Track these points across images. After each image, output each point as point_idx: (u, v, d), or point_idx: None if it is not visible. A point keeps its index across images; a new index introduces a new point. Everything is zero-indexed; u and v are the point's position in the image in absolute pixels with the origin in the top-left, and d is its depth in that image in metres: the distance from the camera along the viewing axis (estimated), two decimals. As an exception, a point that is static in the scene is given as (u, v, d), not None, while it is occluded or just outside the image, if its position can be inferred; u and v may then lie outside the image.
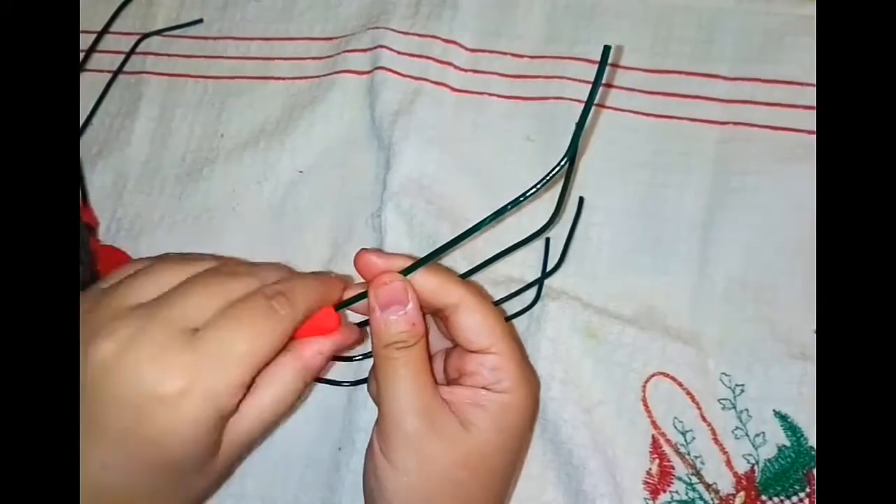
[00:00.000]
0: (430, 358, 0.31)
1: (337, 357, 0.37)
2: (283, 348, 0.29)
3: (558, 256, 0.38)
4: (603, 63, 0.27)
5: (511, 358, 0.30)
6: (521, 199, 0.28)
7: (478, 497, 0.30)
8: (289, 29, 0.47)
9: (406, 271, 0.30)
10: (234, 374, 0.26)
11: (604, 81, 0.40)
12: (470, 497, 0.30)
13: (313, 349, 0.30)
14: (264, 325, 0.27)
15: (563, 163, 0.28)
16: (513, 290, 0.38)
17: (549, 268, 0.38)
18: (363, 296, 0.30)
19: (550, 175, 0.28)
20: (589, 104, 0.27)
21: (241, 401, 0.28)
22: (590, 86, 0.27)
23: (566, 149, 0.30)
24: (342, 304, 0.31)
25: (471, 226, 0.29)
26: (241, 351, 0.27)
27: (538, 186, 0.28)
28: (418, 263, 0.30)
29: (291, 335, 0.29)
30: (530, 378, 0.31)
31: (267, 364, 0.28)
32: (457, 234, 0.29)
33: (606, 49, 0.27)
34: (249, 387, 0.28)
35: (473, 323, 0.30)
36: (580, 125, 0.27)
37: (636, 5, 0.42)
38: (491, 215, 0.29)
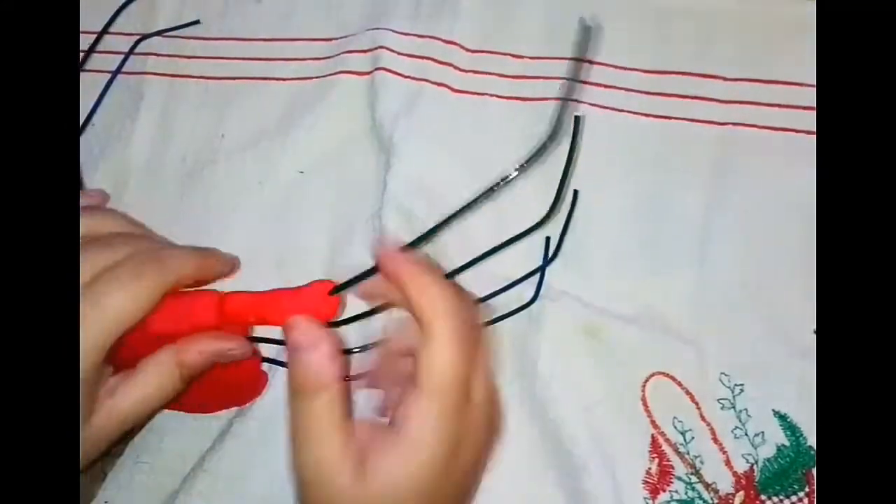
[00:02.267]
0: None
1: None
2: (165, 340, 0.31)
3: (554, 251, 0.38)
4: (583, 40, 0.27)
5: (428, 399, 0.27)
6: (502, 183, 0.28)
7: None
8: (290, 30, 0.47)
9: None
10: (99, 329, 0.29)
11: (596, 79, 0.41)
12: None
13: (195, 347, 0.32)
14: (129, 284, 0.30)
15: (546, 142, 0.28)
16: (512, 290, 0.38)
17: (547, 267, 0.38)
18: (359, 278, 0.30)
19: (536, 153, 0.28)
20: (571, 82, 0.27)
21: (108, 358, 0.30)
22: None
23: (567, 150, 0.30)
24: (338, 288, 0.31)
25: (458, 216, 0.30)
26: (109, 306, 0.29)
27: (522, 168, 0.28)
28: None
29: (160, 297, 0.31)
30: (447, 435, 0.27)
31: (134, 322, 0.30)
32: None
33: (586, 28, 0.27)
34: (115, 349, 0.30)
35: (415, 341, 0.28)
36: (564, 105, 0.27)
37: (636, 5, 0.42)
38: (469, 202, 0.29)
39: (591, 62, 0.42)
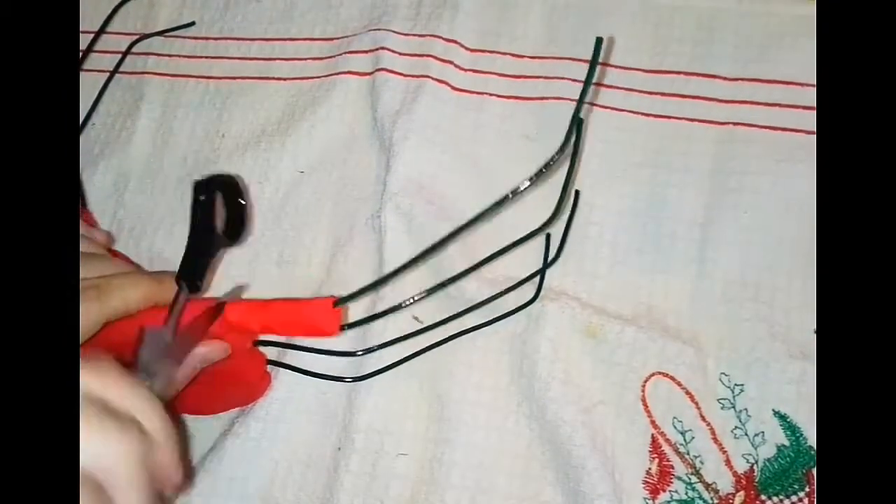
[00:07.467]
0: None
1: (338, 352, 0.38)
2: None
3: (556, 252, 0.38)
4: (595, 56, 0.27)
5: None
6: (512, 195, 0.28)
7: None
8: (289, 29, 0.47)
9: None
10: None
11: (596, 79, 0.40)
12: None
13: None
14: None
15: (555, 157, 0.28)
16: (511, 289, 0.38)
17: (548, 266, 0.38)
18: (362, 291, 0.30)
19: (544, 169, 0.28)
20: (582, 97, 0.27)
21: None
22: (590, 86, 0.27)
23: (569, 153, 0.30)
24: (342, 300, 0.31)
25: (464, 224, 0.29)
26: None
27: (532, 180, 0.28)
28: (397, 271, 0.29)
29: (105, 324, 0.31)
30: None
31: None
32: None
33: (598, 41, 0.27)
34: None
35: None
36: (575, 118, 0.27)
37: (636, 5, 0.42)
38: (480, 213, 0.29)
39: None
